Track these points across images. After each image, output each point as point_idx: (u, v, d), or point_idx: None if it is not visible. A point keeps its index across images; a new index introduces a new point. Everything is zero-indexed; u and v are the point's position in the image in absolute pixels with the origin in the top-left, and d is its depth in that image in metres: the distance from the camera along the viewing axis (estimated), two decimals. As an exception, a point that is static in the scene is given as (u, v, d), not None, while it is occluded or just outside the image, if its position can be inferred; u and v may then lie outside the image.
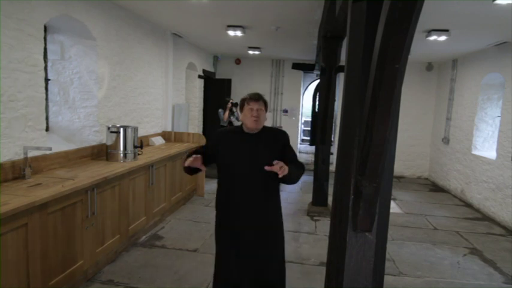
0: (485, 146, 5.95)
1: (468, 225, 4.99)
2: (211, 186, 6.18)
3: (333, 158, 6.88)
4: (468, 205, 5.96)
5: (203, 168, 2.17)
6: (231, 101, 6.90)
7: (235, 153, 2.21)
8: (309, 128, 10.94)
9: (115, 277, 3.07)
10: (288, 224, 3.69)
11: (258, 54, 7.20)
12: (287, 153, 2.22)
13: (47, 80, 3.60)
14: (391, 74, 1.27)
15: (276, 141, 2.25)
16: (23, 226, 2.23)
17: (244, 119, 2.21)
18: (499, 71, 5.38)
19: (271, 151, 2.17)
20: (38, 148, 2.93)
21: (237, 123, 7.00)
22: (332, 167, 5.79)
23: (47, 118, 3.55)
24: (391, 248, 3.95)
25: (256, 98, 2.19)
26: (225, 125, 7.02)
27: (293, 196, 6.09)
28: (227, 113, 6.88)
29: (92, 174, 3.06)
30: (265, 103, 2.23)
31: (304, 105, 10.20)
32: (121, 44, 4.25)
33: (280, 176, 1.98)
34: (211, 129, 7.63)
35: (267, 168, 1.97)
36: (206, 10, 4.19)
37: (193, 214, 4.85)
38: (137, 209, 3.79)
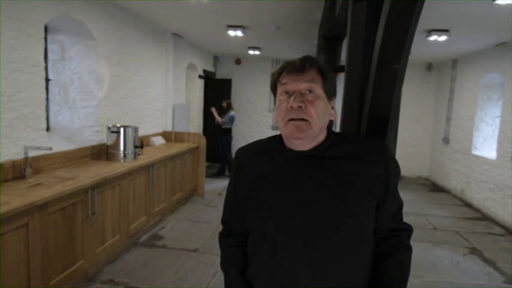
0: (485, 146, 5.95)
1: (468, 225, 5.00)
2: (211, 186, 6.19)
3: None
4: (468, 205, 5.96)
5: None
6: (214, 108, 6.91)
7: (269, 198, 1.02)
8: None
9: (115, 277, 3.08)
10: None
11: (258, 54, 7.20)
12: (386, 204, 1.03)
13: (47, 80, 3.60)
14: (391, 74, 1.27)
15: (369, 172, 0.99)
16: (23, 226, 2.24)
17: (278, 120, 1.02)
18: (498, 71, 5.39)
19: (360, 193, 0.98)
20: (38, 148, 2.93)
21: (228, 125, 6.96)
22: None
23: (47, 118, 3.54)
24: (391, 248, 3.95)
25: (298, 67, 0.97)
26: (229, 126, 6.98)
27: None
28: (216, 117, 6.89)
29: (92, 174, 3.06)
30: (322, 73, 0.98)
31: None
32: (121, 44, 4.25)
33: None
34: (211, 130, 7.62)
35: None
36: (206, 10, 4.19)
37: (194, 214, 4.86)
38: (137, 209, 3.79)
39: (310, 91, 0.97)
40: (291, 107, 0.96)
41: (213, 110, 6.94)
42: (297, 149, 1.02)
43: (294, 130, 0.97)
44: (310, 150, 1.01)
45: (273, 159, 1.05)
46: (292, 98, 0.96)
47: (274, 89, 1.05)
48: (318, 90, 0.98)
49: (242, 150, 1.16)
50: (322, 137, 1.02)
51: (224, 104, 6.98)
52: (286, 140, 1.04)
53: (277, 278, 1.00)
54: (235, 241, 1.15)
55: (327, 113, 1.01)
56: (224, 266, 1.17)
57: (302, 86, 0.97)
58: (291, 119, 0.97)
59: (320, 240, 0.97)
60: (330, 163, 1.00)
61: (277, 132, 1.06)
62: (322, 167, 0.99)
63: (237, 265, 1.12)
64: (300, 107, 0.95)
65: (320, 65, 1.00)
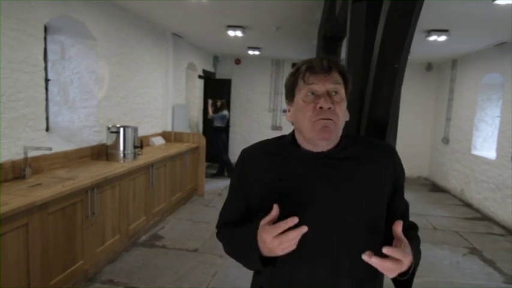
0: (485, 146, 5.96)
1: (468, 225, 5.00)
2: (211, 186, 6.19)
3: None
4: (468, 205, 5.96)
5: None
6: (211, 102, 7.05)
7: (282, 199, 0.95)
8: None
9: (115, 277, 3.08)
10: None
11: (258, 54, 7.20)
12: (395, 204, 1.06)
13: (47, 80, 3.60)
14: (391, 73, 1.27)
15: (380, 172, 1.01)
16: (23, 226, 2.24)
17: (299, 121, 0.99)
18: (498, 71, 5.39)
19: (373, 194, 1.00)
20: (38, 148, 2.93)
21: (219, 123, 6.99)
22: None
23: (47, 118, 3.55)
24: (390, 248, 3.95)
25: (326, 67, 0.95)
26: (219, 124, 7.00)
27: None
28: (210, 109, 6.95)
29: (92, 174, 3.06)
30: (344, 76, 0.98)
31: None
32: (121, 44, 4.25)
33: (391, 275, 0.90)
34: (210, 129, 7.61)
35: (386, 251, 0.84)
36: (206, 10, 4.20)
37: (193, 214, 4.86)
38: (137, 209, 3.79)
39: (336, 92, 0.96)
40: (321, 107, 0.93)
41: (210, 102, 7.05)
42: (315, 150, 1.00)
43: (321, 131, 0.94)
44: (328, 151, 1.00)
45: (287, 161, 1.02)
46: (322, 99, 0.94)
47: (292, 89, 1.01)
48: (342, 92, 0.98)
49: (248, 151, 1.11)
50: (338, 138, 1.02)
51: (219, 104, 7.06)
52: (306, 140, 1.00)
53: (283, 279, 1.00)
54: (235, 224, 1.10)
55: (345, 115, 1.01)
56: (230, 237, 1.09)
57: (329, 86, 0.95)
58: (320, 119, 0.94)
59: (324, 241, 0.97)
60: (345, 164, 1.00)
61: (276, 133, 1.06)
62: (338, 168, 0.99)
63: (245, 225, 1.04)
64: (330, 108, 0.94)
65: (343, 67, 1.00)
